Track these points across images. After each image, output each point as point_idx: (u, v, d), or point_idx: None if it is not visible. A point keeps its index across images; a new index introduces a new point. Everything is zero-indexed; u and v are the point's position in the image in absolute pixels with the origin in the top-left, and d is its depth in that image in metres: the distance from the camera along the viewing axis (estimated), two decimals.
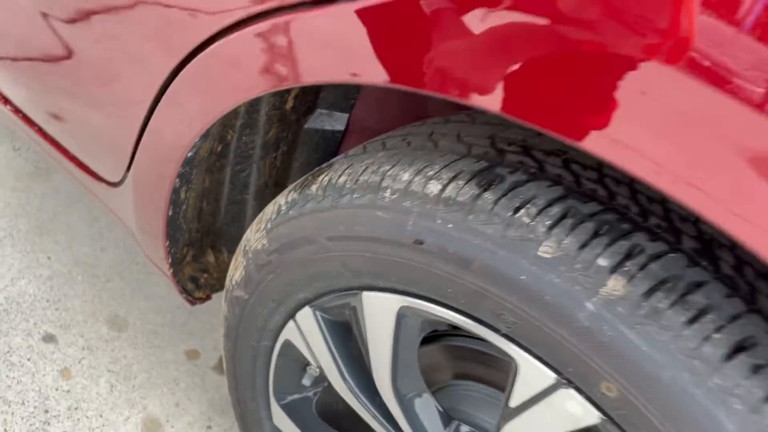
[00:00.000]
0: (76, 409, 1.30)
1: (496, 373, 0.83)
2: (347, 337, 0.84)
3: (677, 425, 0.54)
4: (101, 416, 1.30)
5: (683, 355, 0.53)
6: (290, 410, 0.96)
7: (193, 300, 1.11)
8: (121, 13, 0.87)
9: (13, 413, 1.27)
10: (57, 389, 1.33)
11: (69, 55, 1.01)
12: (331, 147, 1.05)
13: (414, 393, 0.80)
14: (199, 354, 1.43)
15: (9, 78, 1.22)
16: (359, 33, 0.60)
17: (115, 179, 1.05)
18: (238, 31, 0.72)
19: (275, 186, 1.09)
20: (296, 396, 0.96)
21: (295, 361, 0.91)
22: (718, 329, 0.53)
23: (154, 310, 1.49)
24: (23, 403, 1.29)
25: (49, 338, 1.40)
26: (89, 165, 1.13)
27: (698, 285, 0.55)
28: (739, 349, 0.52)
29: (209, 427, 1.32)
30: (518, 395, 0.66)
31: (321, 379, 0.92)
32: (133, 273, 1.55)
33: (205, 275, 1.13)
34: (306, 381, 0.93)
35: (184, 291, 1.09)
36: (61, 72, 1.07)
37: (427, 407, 0.79)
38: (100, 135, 1.05)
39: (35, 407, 1.29)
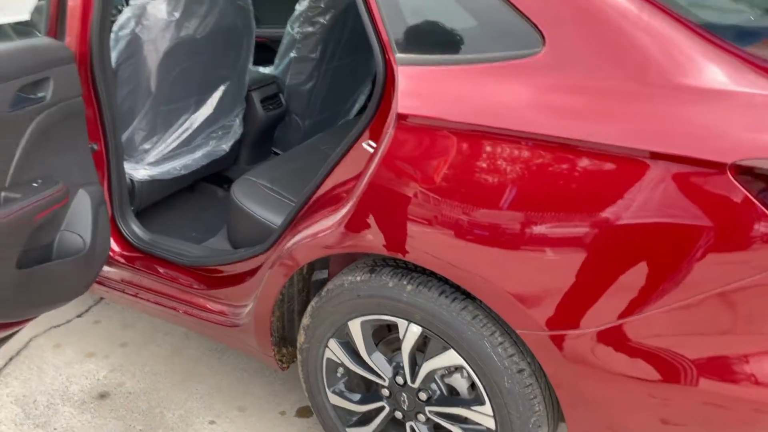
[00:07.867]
0: None
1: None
2: (349, 346, 2.25)
3: None
4: None
5: None
6: (334, 391, 2.34)
7: (282, 368, 2.52)
8: None
9: None
10: None
11: None
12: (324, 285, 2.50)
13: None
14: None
15: None
16: None
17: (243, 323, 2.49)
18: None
19: (304, 307, 2.52)
20: (335, 386, 2.34)
21: (332, 366, 2.31)
22: None
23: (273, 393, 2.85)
24: None
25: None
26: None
27: None
28: None
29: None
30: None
31: (344, 372, 2.31)
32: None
33: (285, 357, 2.55)
34: (338, 374, 2.32)
35: (278, 363, 2.50)
36: None
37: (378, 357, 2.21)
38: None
39: None
